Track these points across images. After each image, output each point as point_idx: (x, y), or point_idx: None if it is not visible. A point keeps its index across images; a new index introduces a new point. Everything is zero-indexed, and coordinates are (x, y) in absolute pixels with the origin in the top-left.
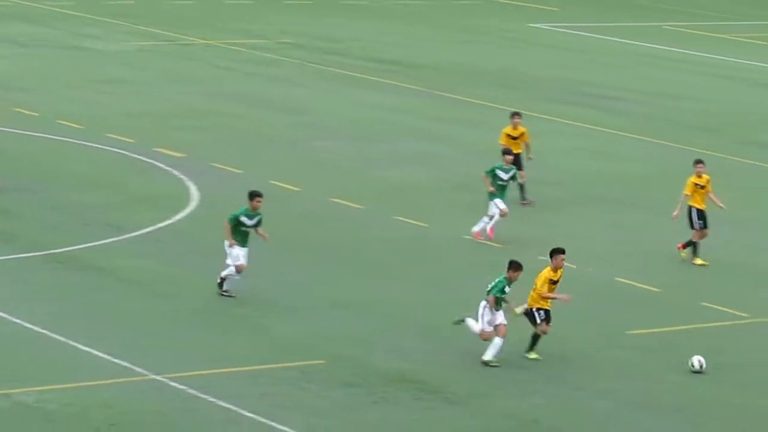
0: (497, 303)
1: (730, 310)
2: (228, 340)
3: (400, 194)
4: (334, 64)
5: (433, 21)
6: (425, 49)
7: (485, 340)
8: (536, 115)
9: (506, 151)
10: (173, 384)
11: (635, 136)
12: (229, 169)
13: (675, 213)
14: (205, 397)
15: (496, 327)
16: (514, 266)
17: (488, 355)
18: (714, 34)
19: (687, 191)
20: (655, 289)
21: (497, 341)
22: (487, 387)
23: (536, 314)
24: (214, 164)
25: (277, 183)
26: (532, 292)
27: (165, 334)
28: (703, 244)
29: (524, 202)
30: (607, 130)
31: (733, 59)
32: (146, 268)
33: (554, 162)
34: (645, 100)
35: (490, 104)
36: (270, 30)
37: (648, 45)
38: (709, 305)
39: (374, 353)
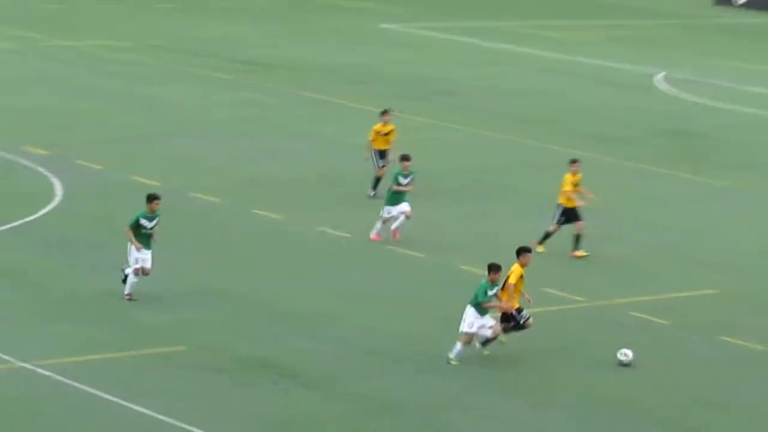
0: (483, 310)
1: (568, 295)
2: (93, 329)
3: (259, 188)
4: (199, 65)
5: (291, 23)
6: (284, 50)
7: (465, 344)
8: (377, 108)
9: (404, 157)
10: (40, 371)
11: (477, 130)
12: (93, 165)
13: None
14: (72, 383)
15: (490, 328)
16: (494, 269)
17: (452, 353)
18: (548, 33)
19: (565, 187)
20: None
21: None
22: (340, 371)
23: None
24: (79, 161)
25: (139, 178)
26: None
27: (32, 324)
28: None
29: (372, 193)
30: (449, 125)
31: (561, 56)
32: (13, 260)
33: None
34: (484, 95)
35: (345, 101)
36: (138, 32)
37: (487, 44)
38: (549, 290)
39: (234, 340)
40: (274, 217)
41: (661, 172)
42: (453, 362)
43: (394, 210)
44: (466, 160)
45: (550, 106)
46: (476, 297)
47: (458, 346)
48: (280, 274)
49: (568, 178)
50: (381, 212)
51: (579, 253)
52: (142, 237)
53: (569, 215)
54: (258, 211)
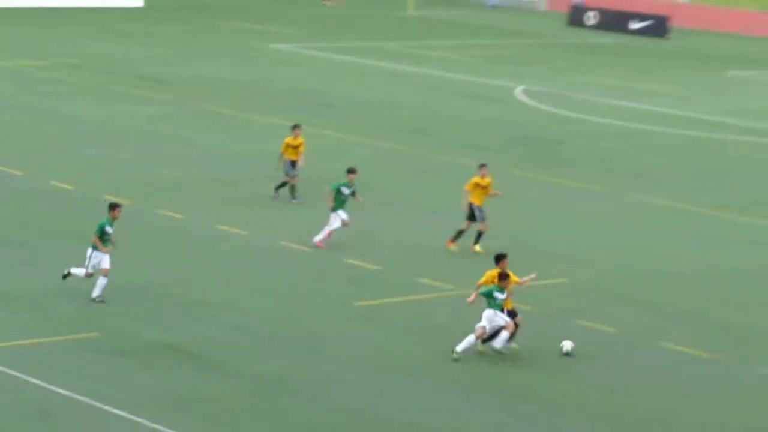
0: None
1: (440, 284)
2: (16, 317)
3: (161, 191)
4: (104, 81)
5: (190, 44)
6: (182, 68)
7: (478, 337)
8: (272, 121)
9: (350, 170)
10: None
11: (355, 137)
12: (13, 171)
13: (463, 203)
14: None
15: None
16: (501, 277)
17: (498, 343)
18: (421, 52)
19: (467, 188)
20: (378, 267)
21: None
22: (239, 354)
23: None
24: (1, 168)
25: (55, 183)
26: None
27: None
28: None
29: (294, 200)
30: (332, 133)
31: (435, 72)
32: None
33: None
34: (362, 108)
35: (236, 113)
36: (54, 52)
37: (366, 61)
38: (424, 281)
39: (142, 327)
40: (176, 217)
41: (522, 175)
42: (455, 355)
43: (337, 218)
44: (349, 165)
45: (424, 117)
46: (490, 302)
47: (470, 338)
48: (183, 267)
49: (475, 180)
50: (332, 219)
51: (478, 248)
52: (105, 242)
53: (479, 213)
54: (161, 211)
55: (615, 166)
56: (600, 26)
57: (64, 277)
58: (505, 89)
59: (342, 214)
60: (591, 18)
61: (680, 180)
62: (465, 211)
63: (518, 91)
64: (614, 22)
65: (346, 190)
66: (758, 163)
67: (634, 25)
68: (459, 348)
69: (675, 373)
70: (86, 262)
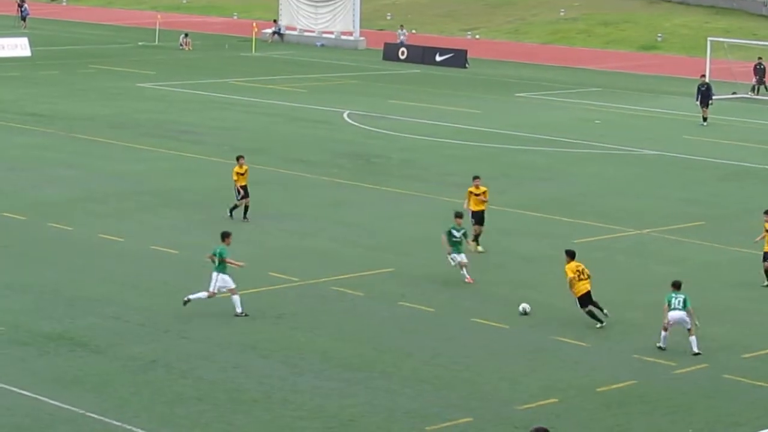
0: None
1: (287, 276)
2: None
3: (52, 207)
4: None
5: (65, 85)
6: (59, 105)
7: None
8: (137, 146)
9: (457, 215)
10: None
11: (209, 158)
12: None
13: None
14: None
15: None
16: (457, 215)
17: None
18: (263, 86)
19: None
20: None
21: None
22: (119, 339)
23: None
24: None
25: None
26: None
27: None
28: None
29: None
30: (189, 155)
31: (274, 102)
32: None
33: (153, 179)
34: (214, 133)
35: (107, 140)
36: None
37: (217, 95)
38: (273, 274)
39: (38, 320)
40: (65, 228)
41: (350, 184)
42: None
43: (458, 257)
44: (202, 180)
45: (264, 138)
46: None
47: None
48: (71, 269)
49: (472, 190)
50: (450, 259)
51: (479, 248)
52: (222, 266)
53: (476, 218)
54: (52, 224)
55: (425, 173)
56: (410, 59)
57: (185, 303)
58: (332, 113)
59: (457, 257)
60: (403, 53)
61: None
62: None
63: (343, 115)
64: (423, 55)
65: (456, 233)
66: (541, 168)
67: (439, 58)
68: None
69: (482, 341)
70: (211, 285)
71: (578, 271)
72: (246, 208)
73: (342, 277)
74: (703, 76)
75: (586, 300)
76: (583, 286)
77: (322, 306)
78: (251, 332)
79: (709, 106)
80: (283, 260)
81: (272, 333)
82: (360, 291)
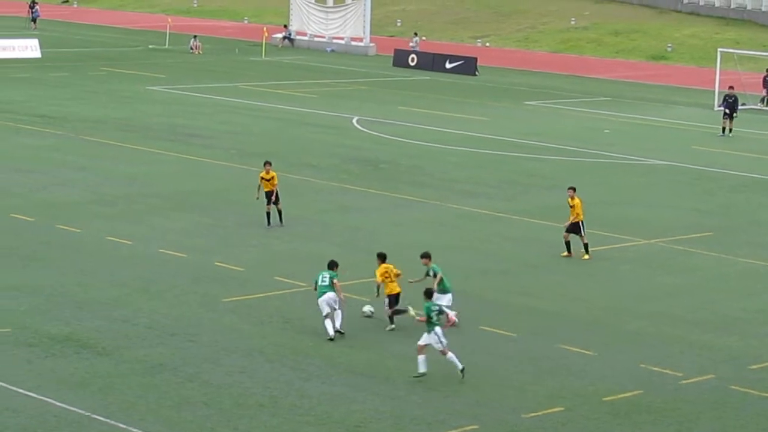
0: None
1: (294, 282)
2: None
3: (61, 209)
4: (7, 119)
5: (76, 88)
6: (70, 108)
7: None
8: (146, 149)
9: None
10: None
11: (218, 161)
12: None
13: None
14: None
15: None
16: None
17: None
18: (273, 90)
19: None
20: (240, 269)
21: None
22: (126, 342)
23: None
24: None
25: None
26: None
27: None
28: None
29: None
30: (199, 159)
31: (284, 106)
32: None
33: (162, 182)
34: (224, 136)
35: (117, 143)
36: None
37: (226, 98)
38: (281, 279)
39: (45, 321)
40: (73, 230)
41: (358, 189)
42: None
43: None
44: (211, 184)
45: (273, 142)
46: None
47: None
48: (79, 272)
49: (577, 202)
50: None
51: (586, 256)
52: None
53: (573, 229)
54: (62, 226)
55: (432, 180)
56: (420, 66)
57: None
58: (342, 119)
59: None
60: (413, 60)
61: (486, 190)
62: None
63: (353, 121)
64: (432, 62)
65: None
66: (549, 176)
67: (449, 65)
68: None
69: (489, 349)
70: (333, 309)
71: (386, 273)
72: (279, 213)
73: (349, 282)
74: (732, 87)
75: (393, 301)
76: (392, 288)
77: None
78: (258, 337)
79: (734, 119)
80: (290, 265)
81: (279, 338)
82: (366, 297)
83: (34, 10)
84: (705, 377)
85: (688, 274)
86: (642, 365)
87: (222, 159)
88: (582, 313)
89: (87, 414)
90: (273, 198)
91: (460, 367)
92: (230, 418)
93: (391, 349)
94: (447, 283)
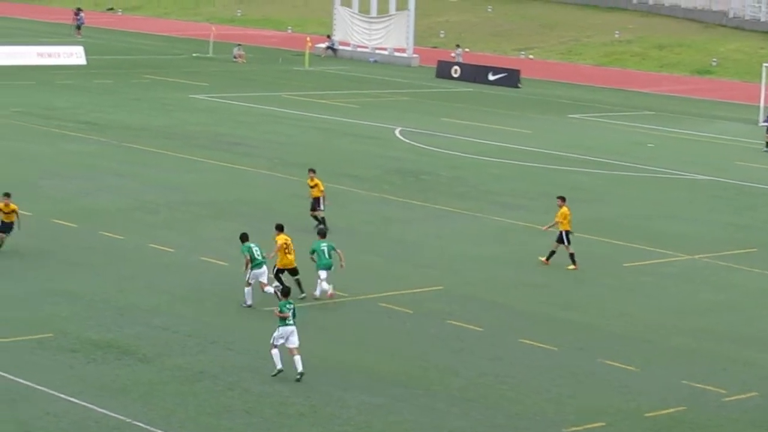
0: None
1: (338, 293)
2: None
3: (102, 215)
4: (52, 126)
5: (119, 95)
6: (113, 115)
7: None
8: (189, 157)
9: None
10: None
11: (261, 170)
12: None
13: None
14: None
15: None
16: None
17: None
18: (315, 100)
19: (558, 219)
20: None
21: None
22: (166, 349)
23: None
24: None
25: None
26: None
27: None
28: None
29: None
30: (241, 167)
31: (326, 116)
32: None
33: (205, 190)
34: (266, 146)
35: (159, 150)
36: (5, 103)
37: (269, 108)
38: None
39: (87, 327)
40: (116, 237)
41: (399, 200)
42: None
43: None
44: (253, 193)
45: (315, 152)
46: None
47: None
48: (121, 278)
49: (564, 211)
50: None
51: (572, 267)
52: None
53: (560, 239)
54: (104, 233)
55: (474, 191)
56: (463, 78)
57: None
58: (384, 130)
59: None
60: (456, 71)
61: (527, 202)
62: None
63: (395, 132)
64: (475, 74)
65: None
66: (592, 189)
67: (492, 77)
68: None
69: (530, 362)
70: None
71: (286, 244)
72: (316, 218)
73: (390, 293)
74: None
75: (285, 272)
76: (288, 259)
77: (369, 322)
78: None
79: None
80: (332, 275)
81: (320, 347)
82: (408, 308)
83: (78, 18)
84: (748, 395)
85: (732, 290)
86: (684, 381)
87: (265, 168)
88: (624, 328)
89: (128, 420)
90: (319, 204)
91: (300, 369)
92: (270, 427)
93: (433, 360)
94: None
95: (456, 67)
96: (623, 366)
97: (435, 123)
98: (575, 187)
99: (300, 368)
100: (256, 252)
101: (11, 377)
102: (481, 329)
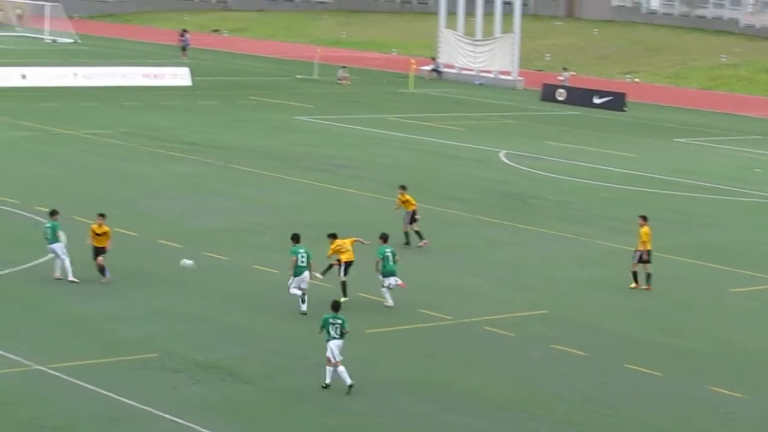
0: None
1: (440, 315)
2: (85, 341)
3: (206, 236)
4: (156, 146)
5: (225, 116)
6: (218, 135)
7: None
8: (294, 179)
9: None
10: (51, 372)
11: (365, 193)
12: (86, 220)
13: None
14: (76, 381)
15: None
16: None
17: None
18: (420, 123)
19: (643, 237)
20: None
21: None
22: (270, 370)
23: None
24: (74, 217)
25: (120, 230)
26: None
27: (38, 336)
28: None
29: (421, 242)
30: (346, 189)
31: (431, 139)
32: (29, 290)
33: (309, 212)
34: (370, 168)
35: (264, 172)
36: (112, 123)
37: (373, 130)
38: (424, 311)
39: (191, 347)
40: (220, 258)
41: (504, 224)
42: None
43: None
44: (358, 215)
45: (419, 175)
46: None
47: None
48: (225, 299)
49: (645, 229)
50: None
51: (647, 286)
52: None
53: (642, 258)
54: (208, 253)
55: (580, 215)
56: (568, 101)
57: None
58: (489, 153)
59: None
60: (561, 94)
61: (631, 226)
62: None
63: (500, 155)
64: (580, 97)
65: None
66: (699, 215)
67: (597, 100)
68: None
69: (634, 387)
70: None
71: (339, 245)
72: (409, 233)
73: (494, 317)
74: None
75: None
76: (346, 255)
77: (473, 345)
78: (401, 369)
79: None
80: (435, 298)
81: (423, 371)
82: (512, 331)
83: (184, 39)
84: None
85: None
86: None
87: (369, 190)
88: (732, 355)
89: None
90: (411, 218)
91: (349, 383)
92: None
93: (537, 384)
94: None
95: (561, 90)
96: (730, 393)
97: (540, 146)
98: (682, 212)
99: (347, 381)
100: (302, 258)
101: (115, 396)
102: (585, 354)
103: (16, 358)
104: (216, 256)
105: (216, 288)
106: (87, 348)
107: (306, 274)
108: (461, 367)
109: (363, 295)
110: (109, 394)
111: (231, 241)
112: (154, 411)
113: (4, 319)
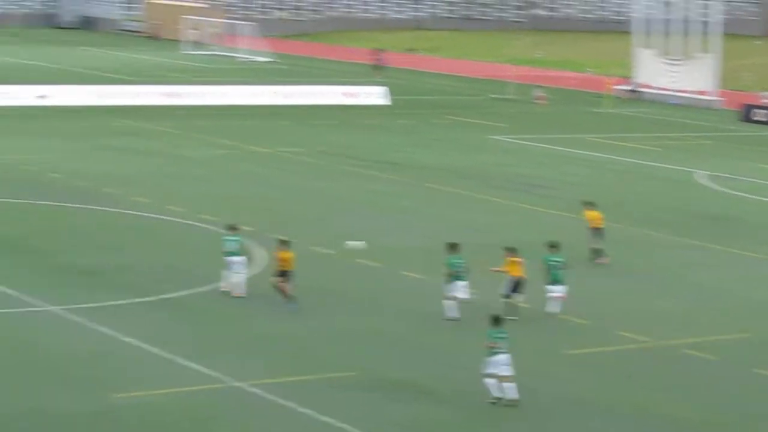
0: None
1: (637, 336)
2: (285, 358)
3: (403, 255)
4: (353, 165)
5: (419, 135)
6: (412, 154)
7: None
8: (490, 198)
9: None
10: (250, 389)
11: (560, 212)
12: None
13: None
14: (271, 397)
15: None
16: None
17: None
18: (616, 143)
19: None
20: (584, 321)
21: None
22: (465, 389)
23: None
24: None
25: (316, 248)
26: None
27: (236, 356)
28: None
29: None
30: (540, 209)
31: (627, 159)
32: (233, 307)
33: (505, 231)
34: (564, 188)
35: (460, 191)
36: (306, 142)
37: (568, 149)
38: (624, 333)
39: (388, 367)
40: (417, 276)
41: (701, 245)
42: None
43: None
44: (551, 234)
45: (614, 195)
46: None
47: None
48: (421, 318)
49: None
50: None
51: None
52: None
53: None
54: (405, 272)
55: None
56: None
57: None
58: (686, 173)
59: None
60: (761, 115)
61: None
62: None
63: (697, 176)
64: None
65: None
66: None
67: None
68: None
69: None
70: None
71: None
72: (593, 251)
73: (694, 340)
74: None
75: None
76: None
77: (672, 368)
78: (597, 390)
79: None
80: (632, 320)
81: (620, 393)
82: (713, 355)
83: (379, 58)
84: None
85: None
86: None
87: (564, 210)
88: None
89: None
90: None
91: (510, 397)
92: None
93: (739, 409)
94: None
95: (762, 111)
96: None
97: (740, 167)
98: None
99: (510, 396)
100: (458, 269)
101: (312, 414)
102: None
103: (216, 374)
104: (413, 275)
105: (410, 307)
106: (284, 366)
107: (461, 283)
108: (660, 390)
109: (563, 316)
110: (307, 411)
111: (427, 259)
112: (351, 428)
113: (204, 336)
